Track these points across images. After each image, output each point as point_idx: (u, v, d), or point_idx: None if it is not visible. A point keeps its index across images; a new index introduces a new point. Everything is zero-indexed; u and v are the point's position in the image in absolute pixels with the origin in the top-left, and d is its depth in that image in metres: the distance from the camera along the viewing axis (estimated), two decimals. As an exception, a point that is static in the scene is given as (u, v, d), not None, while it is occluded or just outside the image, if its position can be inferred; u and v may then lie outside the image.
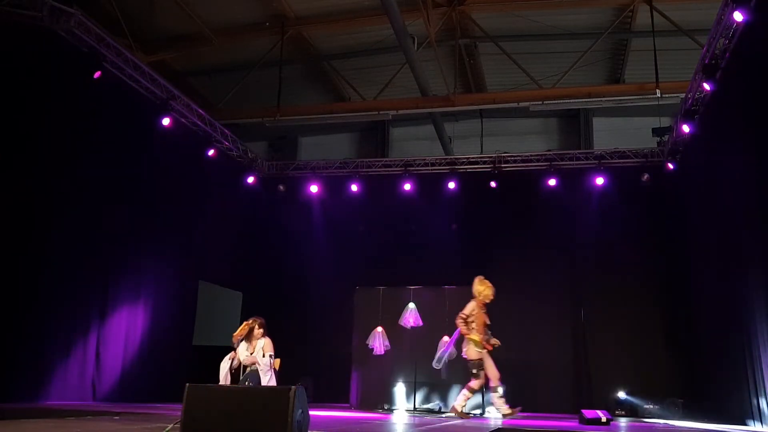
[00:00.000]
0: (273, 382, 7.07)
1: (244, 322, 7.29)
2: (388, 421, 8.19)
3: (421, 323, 11.60)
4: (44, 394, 8.72)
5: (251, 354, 7.13)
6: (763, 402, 7.87)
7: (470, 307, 8.89)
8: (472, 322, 8.75)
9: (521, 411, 9.02)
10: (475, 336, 8.62)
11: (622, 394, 11.61)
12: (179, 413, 4.36)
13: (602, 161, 13.22)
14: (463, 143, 15.28)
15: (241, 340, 7.13)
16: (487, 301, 8.91)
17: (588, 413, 8.05)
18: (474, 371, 8.65)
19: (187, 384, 4.38)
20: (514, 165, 13.71)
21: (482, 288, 8.94)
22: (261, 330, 7.28)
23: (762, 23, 7.61)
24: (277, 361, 7.45)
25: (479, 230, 13.56)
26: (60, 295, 9.12)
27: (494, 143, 14.89)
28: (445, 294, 11.84)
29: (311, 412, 4.73)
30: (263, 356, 7.11)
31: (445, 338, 11.33)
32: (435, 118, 14.27)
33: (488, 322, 8.90)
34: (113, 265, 10.23)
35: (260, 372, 7.07)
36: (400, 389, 11.65)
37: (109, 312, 10.11)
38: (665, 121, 13.30)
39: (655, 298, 12.48)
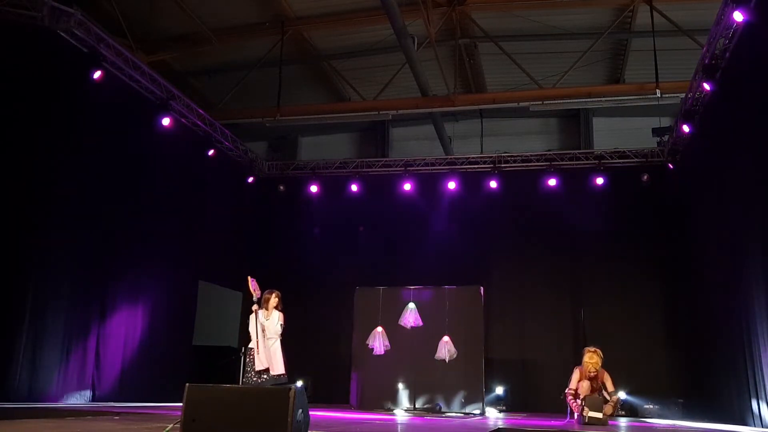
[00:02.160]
0: (278, 349, 7.70)
1: (264, 291, 7.87)
2: (389, 422, 8.19)
3: (421, 323, 11.60)
4: (44, 394, 8.72)
5: (267, 320, 7.77)
6: (762, 402, 7.87)
7: (574, 379, 8.68)
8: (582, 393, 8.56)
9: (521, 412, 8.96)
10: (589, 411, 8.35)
11: (622, 394, 11.60)
12: (179, 413, 4.36)
13: (602, 161, 13.22)
14: (463, 143, 15.29)
15: (258, 301, 7.75)
16: (590, 371, 8.63)
17: None
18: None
19: (187, 384, 4.38)
20: (514, 165, 13.72)
21: (586, 359, 8.71)
22: (277, 300, 7.91)
23: (762, 23, 7.60)
24: None
25: (479, 230, 13.58)
26: (60, 295, 9.11)
27: (494, 143, 14.90)
28: (445, 294, 11.85)
29: (311, 412, 4.73)
30: (276, 324, 7.79)
31: (446, 338, 11.35)
32: (435, 118, 14.27)
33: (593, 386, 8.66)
34: (113, 265, 10.23)
35: (268, 339, 7.68)
36: (400, 389, 11.65)
37: (109, 312, 10.11)
38: (665, 121, 13.30)
39: (655, 298, 12.49)
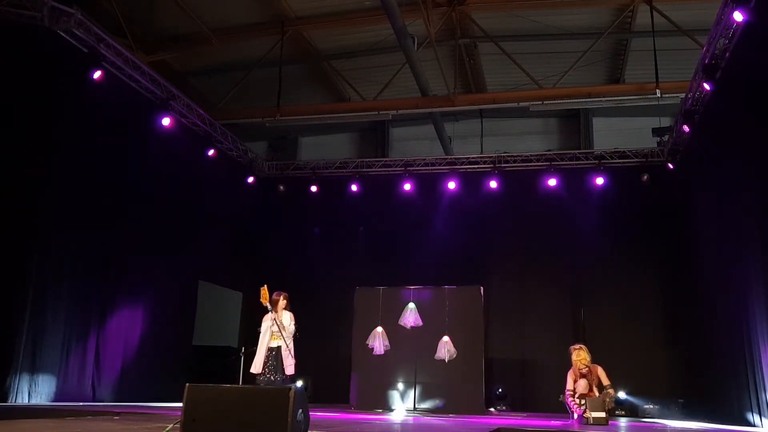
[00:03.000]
0: (291, 348, 7.97)
1: (273, 294, 8.05)
2: (389, 422, 8.19)
3: (421, 323, 11.60)
4: (44, 394, 8.72)
5: (280, 321, 7.96)
6: (762, 402, 7.87)
7: (570, 380, 8.80)
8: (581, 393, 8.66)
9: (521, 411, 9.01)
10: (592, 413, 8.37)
11: (622, 394, 11.60)
12: (179, 413, 4.36)
13: (602, 161, 13.22)
14: (463, 143, 15.28)
15: (270, 309, 7.96)
16: (580, 368, 8.77)
17: None
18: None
19: (187, 384, 4.38)
20: (514, 165, 13.71)
21: (573, 357, 8.86)
22: (285, 302, 8.12)
23: (762, 23, 7.60)
24: None
25: (479, 230, 13.58)
26: (60, 295, 9.12)
27: (494, 143, 14.89)
28: (445, 294, 11.85)
29: (311, 412, 4.73)
30: (288, 324, 8.03)
31: (445, 338, 11.35)
32: (435, 118, 14.26)
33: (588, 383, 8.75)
34: (113, 265, 10.23)
35: (284, 338, 7.91)
36: (400, 389, 11.65)
37: (109, 312, 10.12)
38: (665, 121, 13.29)
39: (655, 298, 12.49)
